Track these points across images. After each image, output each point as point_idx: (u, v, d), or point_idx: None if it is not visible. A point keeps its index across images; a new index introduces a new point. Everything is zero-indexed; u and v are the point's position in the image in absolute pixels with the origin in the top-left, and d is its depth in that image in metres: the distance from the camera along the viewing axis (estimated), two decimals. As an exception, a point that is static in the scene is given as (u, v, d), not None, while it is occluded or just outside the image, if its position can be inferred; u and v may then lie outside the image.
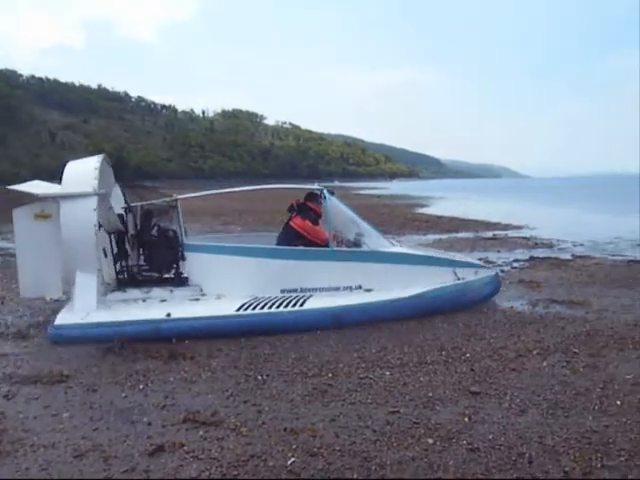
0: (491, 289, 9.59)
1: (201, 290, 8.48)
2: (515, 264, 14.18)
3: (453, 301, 8.88)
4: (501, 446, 4.52)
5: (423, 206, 44.63)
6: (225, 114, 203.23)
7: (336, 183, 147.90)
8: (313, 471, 4.13)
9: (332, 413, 5.16)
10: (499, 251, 16.80)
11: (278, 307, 7.89)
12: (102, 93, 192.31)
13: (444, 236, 21.47)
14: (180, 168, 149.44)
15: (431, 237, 21.08)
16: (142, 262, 8.84)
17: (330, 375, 6.15)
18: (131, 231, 8.74)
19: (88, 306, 7.59)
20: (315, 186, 9.46)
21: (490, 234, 22.14)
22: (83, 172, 7.89)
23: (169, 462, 4.24)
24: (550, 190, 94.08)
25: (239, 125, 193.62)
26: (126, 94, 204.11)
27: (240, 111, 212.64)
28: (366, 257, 8.93)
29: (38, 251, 8.09)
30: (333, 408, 5.28)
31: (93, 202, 7.58)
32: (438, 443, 4.57)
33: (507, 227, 25.34)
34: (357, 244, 9.23)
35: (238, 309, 7.78)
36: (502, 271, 12.99)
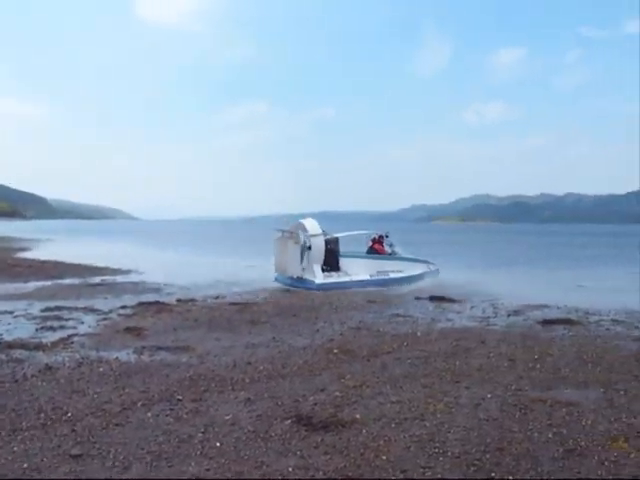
0: (438, 273, 23.38)
1: (347, 272, 20.58)
2: (122, 311, 14.04)
3: (429, 277, 22.33)
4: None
5: (26, 250, 41.39)
6: None
7: None
8: None
9: None
10: (106, 298, 16.51)
11: (385, 276, 21.18)
12: None
13: (48, 282, 20.26)
14: None
15: (33, 284, 19.65)
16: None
17: None
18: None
19: (321, 276, 19.86)
20: (381, 232, 23.37)
21: (98, 279, 21.66)
22: (315, 225, 20.63)
23: None
24: (161, 233, 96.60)
25: None
26: None
27: None
28: (400, 259, 22.46)
29: (293, 257, 19.97)
30: None
31: (322, 238, 20.37)
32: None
33: (116, 272, 25.12)
34: (394, 253, 22.78)
35: (370, 276, 20.78)
36: (105, 319, 12.81)
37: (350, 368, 8.73)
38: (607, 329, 12.42)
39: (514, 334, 11.69)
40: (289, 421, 6.29)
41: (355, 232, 23.59)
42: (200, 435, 5.88)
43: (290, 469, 5.09)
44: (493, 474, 5.04)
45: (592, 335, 11.66)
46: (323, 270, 20.26)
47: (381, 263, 21.72)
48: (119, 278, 22.55)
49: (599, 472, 5.11)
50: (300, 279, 19.90)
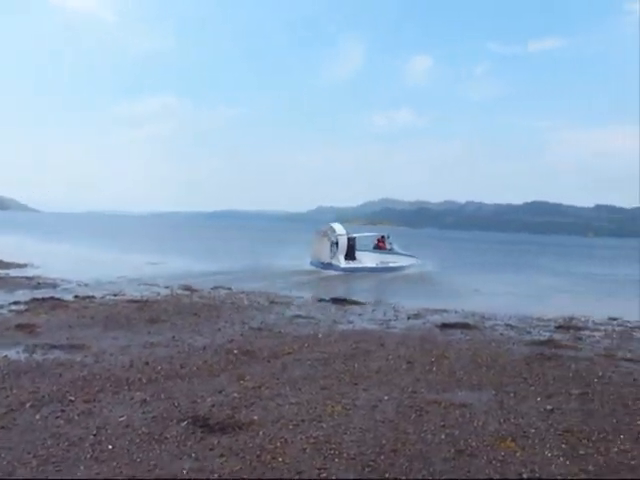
0: (423, 265, 32.49)
1: (360, 261, 30.37)
2: (14, 307, 13.39)
3: (416, 267, 31.71)
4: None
5: None
6: None
7: None
8: None
9: None
10: (-3, 292, 15.69)
11: (386, 265, 30.82)
12: None
13: None
14: None
15: None
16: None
17: None
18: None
19: (344, 263, 29.56)
20: (384, 232, 34.50)
21: (-12, 273, 20.51)
22: (341, 228, 30.90)
23: None
24: (61, 226, 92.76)
25: None
26: None
27: None
28: (397, 253, 32.16)
29: (325, 249, 30.24)
30: None
31: (346, 237, 30.36)
32: None
33: (8, 265, 23.93)
34: (392, 249, 32.28)
35: (376, 265, 30.59)
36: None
37: (250, 369, 8.68)
38: (501, 334, 12.97)
39: (413, 337, 12.00)
40: (185, 423, 6.17)
41: (366, 234, 34.36)
42: (92, 438, 5.67)
43: (185, 472, 5.00)
44: (387, 474, 5.14)
45: (487, 339, 12.14)
46: (345, 259, 29.48)
47: (384, 256, 31.27)
48: (12, 272, 21.52)
49: (487, 471, 5.31)
50: (329, 264, 29.36)
